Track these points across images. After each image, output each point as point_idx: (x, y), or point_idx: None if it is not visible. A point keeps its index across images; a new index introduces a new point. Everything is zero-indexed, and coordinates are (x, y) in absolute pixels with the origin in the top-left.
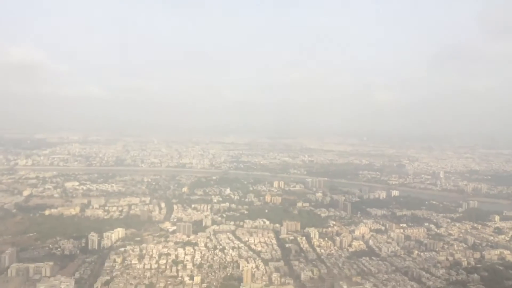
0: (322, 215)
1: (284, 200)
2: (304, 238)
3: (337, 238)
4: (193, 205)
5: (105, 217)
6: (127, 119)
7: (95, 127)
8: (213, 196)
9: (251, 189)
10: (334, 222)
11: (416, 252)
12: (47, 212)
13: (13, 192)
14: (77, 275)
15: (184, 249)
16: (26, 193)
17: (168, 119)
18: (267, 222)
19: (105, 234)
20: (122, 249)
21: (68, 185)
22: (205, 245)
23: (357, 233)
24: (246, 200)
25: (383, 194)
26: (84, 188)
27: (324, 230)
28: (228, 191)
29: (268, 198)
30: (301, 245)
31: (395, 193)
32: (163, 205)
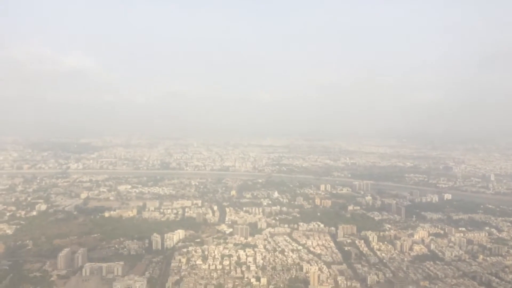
0: (376, 218)
1: (334, 203)
2: (362, 241)
3: (397, 242)
4: (244, 208)
5: (162, 219)
6: (164, 123)
7: (135, 131)
8: (262, 199)
9: (298, 192)
10: (389, 226)
11: (481, 256)
12: (106, 214)
13: (70, 194)
14: (147, 274)
15: (245, 251)
16: (83, 196)
17: (204, 122)
18: (322, 225)
19: (166, 235)
20: (184, 250)
21: (121, 188)
22: (264, 247)
23: (416, 237)
24: (296, 203)
25: (435, 198)
26: (137, 191)
27: (381, 233)
28: (276, 194)
29: (317, 201)
30: (361, 249)
31: (447, 196)
32: (215, 207)
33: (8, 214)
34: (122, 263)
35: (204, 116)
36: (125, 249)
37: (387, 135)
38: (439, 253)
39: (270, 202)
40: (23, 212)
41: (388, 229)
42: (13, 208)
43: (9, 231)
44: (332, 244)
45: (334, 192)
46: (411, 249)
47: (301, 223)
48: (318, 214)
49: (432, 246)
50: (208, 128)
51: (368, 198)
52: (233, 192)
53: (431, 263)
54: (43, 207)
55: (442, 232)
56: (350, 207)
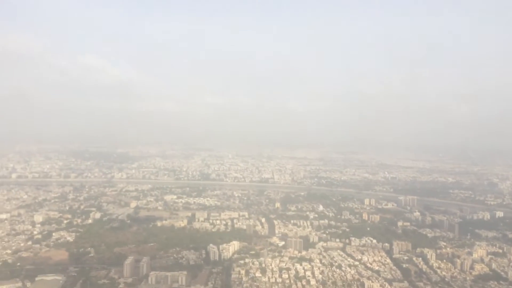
0: (429, 235)
1: (382, 219)
2: (420, 258)
3: (457, 260)
4: (292, 221)
5: (213, 230)
6: (197, 133)
7: (168, 141)
8: (308, 212)
9: (342, 206)
10: (444, 243)
11: None
12: (159, 224)
13: (120, 203)
14: (210, 285)
15: (301, 265)
16: (133, 205)
17: (235, 132)
18: (374, 241)
19: (221, 246)
20: (242, 262)
21: (167, 198)
22: (320, 262)
23: (475, 255)
24: (343, 217)
25: (486, 215)
26: (183, 201)
27: (438, 251)
28: (321, 207)
29: (365, 216)
30: (420, 266)
31: (499, 214)
32: (263, 220)
33: (65, 221)
34: (185, 272)
35: (235, 126)
36: (183, 259)
37: (422, 149)
38: (502, 273)
39: (316, 215)
40: (79, 220)
41: (443, 246)
42: (69, 216)
43: (69, 239)
44: (388, 260)
45: (380, 207)
46: (471, 268)
47: (353, 238)
48: (368, 229)
49: (494, 265)
50: (240, 139)
51: (417, 214)
52: (278, 205)
53: (495, 283)
54: (97, 215)
55: (500, 251)
56: (400, 223)
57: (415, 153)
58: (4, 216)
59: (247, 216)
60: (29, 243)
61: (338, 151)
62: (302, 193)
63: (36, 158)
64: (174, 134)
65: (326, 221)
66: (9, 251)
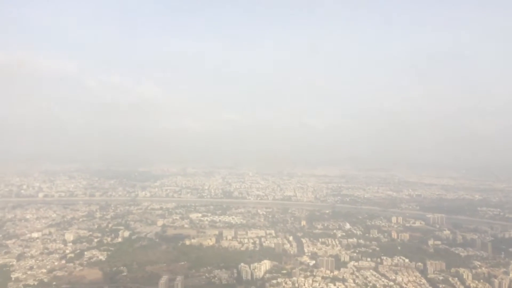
0: (461, 254)
1: (412, 237)
2: (456, 278)
3: (494, 280)
4: (320, 239)
5: (241, 248)
6: (216, 150)
7: (188, 159)
8: (334, 231)
9: (369, 224)
10: (479, 263)
11: None
12: (187, 242)
13: (147, 222)
14: None
15: (335, 285)
16: (160, 223)
17: (254, 150)
18: (407, 260)
19: (253, 266)
20: (274, 281)
21: (193, 216)
22: (354, 282)
23: (511, 275)
24: (371, 236)
25: None
26: (208, 219)
27: (474, 271)
28: (348, 226)
29: (394, 234)
30: (456, 287)
31: None
32: (290, 238)
33: (95, 240)
34: None
35: (253, 144)
36: (216, 278)
37: (442, 165)
38: None
39: (343, 233)
40: (109, 239)
41: (478, 266)
42: (99, 234)
43: (102, 257)
44: (424, 280)
45: (408, 225)
46: None
47: (384, 257)
48: (399, 248)
49: None
50: (259, 157)
51: (447, 232)
52: (303, 223)
53: None
54: (126, 233)
55: None
56: (431, 242)
57: (437, 170)
58: (36, 235)
59: (274, 235)
60: (63, 262)
61: (357, 168)
62: (327, 211)
63: (61, 177)
64: (194, 152)
65: (355, 239)
66: (44, 270)
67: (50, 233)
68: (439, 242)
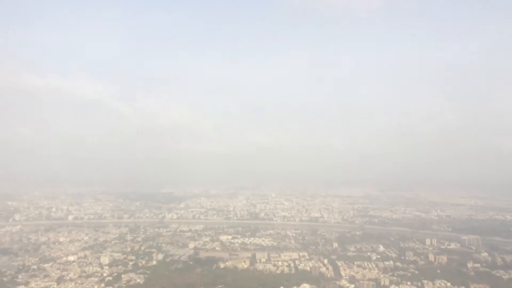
0: (503, 277)
1: (450, 260)
2: None
3: None
4: (355, 262)
5: (277, 271)
6: (236, 171)
7: (210, 180)
8: (369, 253)
9: (402, 246)
10: None
11: None
12: (221, 265)
13: (177, 244)
14: None
15: None
16: (191, 246)
17: (275, 170)
18: (449, 284)
19: None
20: None
21: (223, 238)
22: None
23: None
24: (407, 258)
25: None
26: (239, 241)
27: None
28: (381, 248)
29: (431, 257)
30: None
31: None
32: (325, 261)
33: (130, 263)
34: None
35: (274, 164)
36: None
37: (467, 183)
38: None
39: (378, 256)
40: (143, 261)
41: None
42: (133, 257)
43: (139, 280)
44: None
45: (443, 247)
46: None
47: (425, 281)
48: (438, 271)
49: None
50: (280, 177)
51: (484, 254)
52: (335, 245)
53: None
54: (160, 256)
55: None
56: (470, 264)
57: (463, 189)
58: (71, 258)
59: (307, 257)
60: (102, 285)
61: (380, 188)
62: (357, 233)
63: (87, 199)
64: (214, 173)
65: (391, 262)
66: None
67: (85, 256)
68: (478, 265)
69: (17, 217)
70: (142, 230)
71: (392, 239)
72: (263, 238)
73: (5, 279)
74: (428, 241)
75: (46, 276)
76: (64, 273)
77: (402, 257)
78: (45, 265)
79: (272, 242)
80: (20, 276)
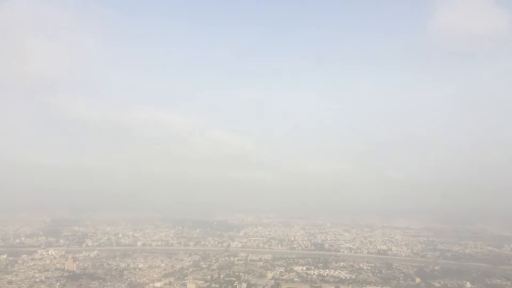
0: None
1: None
2: None
3: None
4: None
5: None
6: (286, 199)
7: (260, 208)
8: None
9: (489, 283)
10: None
11: None
12: None
13: (254, 274)
14: None
15: None
16: (269, 276)
17: (324, 200)
18: None
19: None
20: None
21: (297, 269)
22: None
23: None
24: None
25: None
26: (315, 273)
27: None
28: (469, 284)
29: None
30: None
31: None
32: None
33: None
34: None
35: (321, 193)
36: None
37: None
38: None
39: None
40: None
41: None
42: (216, 285)
43: None
44: None
45: None
46: None
47: None
48: None
49: None
50: (330, 207)
51: None
52: (418, 280)
53: None
54: (243, 286)
55: None
56: None
57: None
58: (158, 284)
59: None
60: None
61: (435, 219)
62: (436, 267)
63: (147, 226)
64: (264, 201)
65: None
66: None
67: (170, 283)
68: None
69: (89, 242)
70: (214, 258)
71: (474, 275)
72: (339, 271)
73: None
74: None
75: None
76: None
77: None
78: None
79: (349, 275)
80: None
